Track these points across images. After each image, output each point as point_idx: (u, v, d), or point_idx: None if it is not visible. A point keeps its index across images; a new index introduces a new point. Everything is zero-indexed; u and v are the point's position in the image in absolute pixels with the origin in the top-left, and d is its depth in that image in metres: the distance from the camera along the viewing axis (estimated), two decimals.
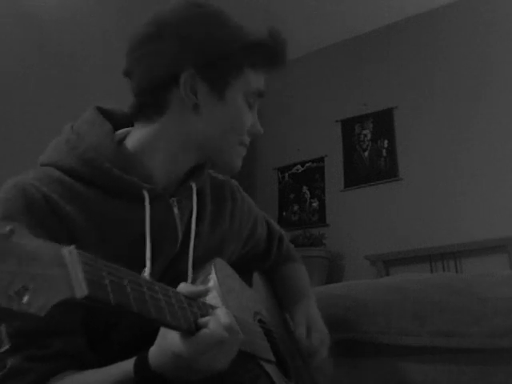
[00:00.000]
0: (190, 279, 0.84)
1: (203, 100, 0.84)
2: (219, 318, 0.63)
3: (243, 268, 0.99)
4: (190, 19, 0.85)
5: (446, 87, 3.91)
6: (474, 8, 3.91)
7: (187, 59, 0.83)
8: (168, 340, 0.62)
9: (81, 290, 0.44)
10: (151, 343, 0.66)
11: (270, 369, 0.84)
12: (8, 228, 0.40)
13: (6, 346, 0.38)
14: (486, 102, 3.71)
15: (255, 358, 0.79)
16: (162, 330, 0.64)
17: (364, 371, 1.13)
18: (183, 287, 0.65)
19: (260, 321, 0.93)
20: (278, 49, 0.89)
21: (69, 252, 0.46)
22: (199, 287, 0.67)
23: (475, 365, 1.04)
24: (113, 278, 0.50)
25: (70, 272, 0.44)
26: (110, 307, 0.48)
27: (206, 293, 0.67)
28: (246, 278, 1.00)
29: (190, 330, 0.60)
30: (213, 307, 0.66)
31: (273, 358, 0.86)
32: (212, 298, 0.69)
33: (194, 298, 0.64)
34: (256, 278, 1.07)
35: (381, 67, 4.23)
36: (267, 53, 0.88)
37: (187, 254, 0.86)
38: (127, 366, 0.66)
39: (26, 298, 0.39)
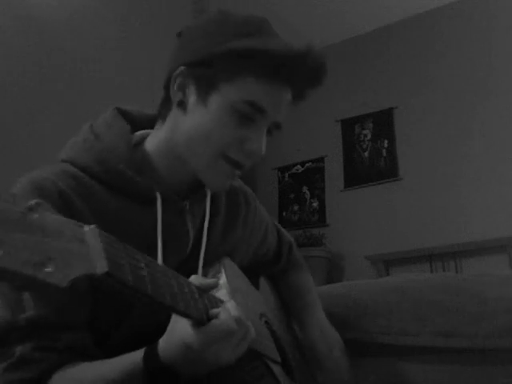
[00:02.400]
0: (193, 276, 0.84)
1: (190, 100, 0.81)
2: (229, 311, 0.64)
3: (251, 272, 0.99)
4: (203, 22, 0.85)
5: (446, 87, 3.91)
6: (474, 8, 3.91)
7: (183, 57, 0.83)
8: (178, 330, 0.63)
9: (101, 267, 0.45)
10: (153, 342, 0.67)
11: (276, 369, 0.84)
12: (34, 201, 0.41)
13: (30, 312, 0.39)
14: (486, 102, 3.71)
15: (261, 357, 0.80)
16: (172, 321, 0.65)
17: (364, 371, 1.13)
18: (194, 279, 0.66)
19: (266, 322, 0.93)
20: (291, 63, 0.78)
21: (90, 230, 0.46)
22: (209, 280, 0.68)
23: (475, 365, 1.04)
24: (130, 260, 0.50)
25: (91, 249, 0.45)
26: (126, 288, 0.49)
27: (215, 285, 0.68)
28: (253, 281, 1.00)
29: (201, 320, 0.61)
30: (222, 301, 0.67)
31: (278, 359, 0.87)
32: (221, 296, 0.70)
33: (205, 290, 0.65)
34: (262, 281, 1.08)
35: (381, 67, 4.23)
36: (272, 64, 0.78)
37: (197, 258, 0.86)
38: (137, 356, 0.67)
39: (49, 268, 0.39)
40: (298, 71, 0.80)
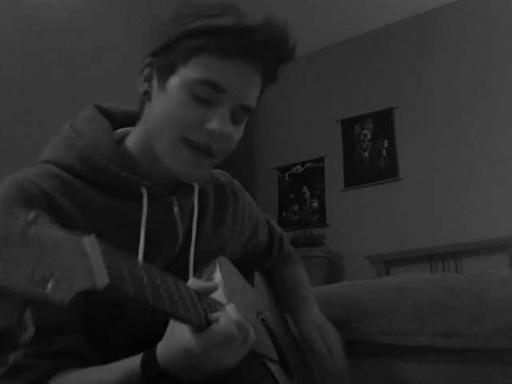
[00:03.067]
0: (191, 279, 0.84)
1: (154, 90, 0.81)
2: (229, 315, 0.63)
3: (244, 267, 0.99)
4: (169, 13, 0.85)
5: (446, 87, 3.91)
6: (474, 8, 3.91)
7: (148, 49, 0.83)
8: (177, 336, 0.62)
9: (102, 280, 0.44)
10: (150, 344, 0.66)
11: (274, 368, 0.84)
12: (32, 215, 0.40)
13: (31, 333, 0.38)
14: (486, 102, 3.71)
15: (260, 357, 0.79)
16: (171, 327, 0.64)
17: (364, 371, 1.13)
18: (193, 282, 0.65)
19: (262, 320, 0.93)
20: (244, 36, 0.76)
21: (89, 241, 0.46)
22: (208, 283, 0.67)
23: (475, 365, 1.04)
24: (130, 269, 0.50)
25: (91, 262, 0.44)
26: (127, 298, 0.48)
27: (215, 289, 0.67)
28: (248, 278, 1.00)
29: (201, 326, 0.60)
30: (221, 304, 0.67)
31: (276, 358, 0.86)
32: (217, 296, 0.69)
33: (204, 294, 0.64)
34: (257, 277, 1.07)
35: (381, 67, 4.23)
36: (226, 39, 0.76)
37: (187, 256, 0.86)
38: (134, 361, 0.66)
39: (49, 286, 0.39)
40: (255, 44, 0.76)
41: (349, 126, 4.30)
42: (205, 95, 0.77)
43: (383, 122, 4.15)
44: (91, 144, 0.81)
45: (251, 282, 1.02)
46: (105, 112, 0.89)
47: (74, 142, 0.81)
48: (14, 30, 2.62)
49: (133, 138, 0.86)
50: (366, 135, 4.22)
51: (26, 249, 0.38)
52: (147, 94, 0.82)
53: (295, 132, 4.41)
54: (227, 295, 0.77)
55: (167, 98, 0.78)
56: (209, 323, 0.61)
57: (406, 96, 4.05)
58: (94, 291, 0.44)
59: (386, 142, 4.12)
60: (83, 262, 0.44)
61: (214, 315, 0.62)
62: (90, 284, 0.43)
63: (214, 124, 0.77)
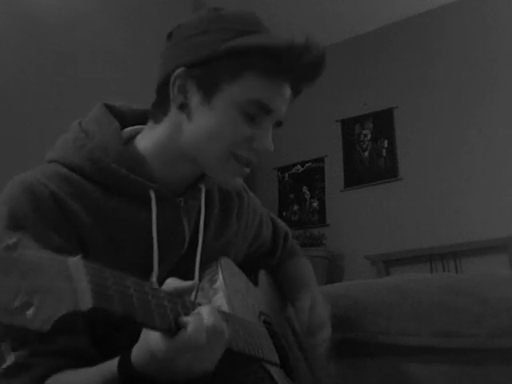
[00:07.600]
0: (196, 280, 0.84)
1: (192, 101, 0.80)
2: (202, 318, 0.60)
3: (249, 266, 0.99)
4: (197, 20, 0.83)
5: (446, 87, 3.91)
6: (474, 8, 3.91)
7: (181, 57, 0.81)
8: (149, 338, 0.60)
9: (85, 303, 0.44)
10: None
11: (274, 371, 0.83)
12: (13, 240, 0.40)
13: (9, 362, 0.38)
14: (486, 102, 3.71)
15: (259, 360, 0.79)
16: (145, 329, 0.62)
17: (364, 371, 1.13)
18: (170, 282, 0.63)
19: (265, 321, 0.93)
20: (296, 59, 0.78)
21: (74, 263, 0.45)
22: (186, 283, 0.64)
23: (475, 365, 1.04)
24: (118, 288, 0.49)
25: (75, 284, 0.44)
26: (114, 319, 0.48)
27: (192, 289, 0.64)
28: (252, 277, 0.99)
29: (169, 330, 0.57)
30: (197, 304, 0.63)
31: (277, 360, 0.85)
32: (218, 299, 0.69)
33: (179, 295, 0.61)
34: (261, 276, 1.07)
35: (381, 67, 4.23)
36: (274, 60, 0.77)
37: (194, 255, 0.86)
38: (112, 364, 0.65)
39: (30, 312, 0.38)
40: (299, 65, 0.79)
41: (349, 126, 4.30)
42: (253, 113, 0.79)
43: (383, 122, 4.15)
44: (100, 146, 0.80)
45: (255, 281, 1.02)
46: (114, 111, 0.88)
47: (83, 142, 0.81)
48: (14, 29, 2.62)
49: (145, 139, 0.85)
50: (366, 135, 4.23)
51: (5, 276, 0.37)
52: (185, 108, 0.81)
53: (295, 132, 4.40)
54: (228, 298, 0.77)
55: (215, 115, 0.79)
56: (179, 327, 0.58)
57: (406, 96, 4.06)
58: (77, 314, 0.43)
59: (386, 142, 4.12)
60: (67, 285, 0.43)
61: (184, 319, 0.58)
62: (73, 307, 0.43)
63: (263, 143, 0.81)
